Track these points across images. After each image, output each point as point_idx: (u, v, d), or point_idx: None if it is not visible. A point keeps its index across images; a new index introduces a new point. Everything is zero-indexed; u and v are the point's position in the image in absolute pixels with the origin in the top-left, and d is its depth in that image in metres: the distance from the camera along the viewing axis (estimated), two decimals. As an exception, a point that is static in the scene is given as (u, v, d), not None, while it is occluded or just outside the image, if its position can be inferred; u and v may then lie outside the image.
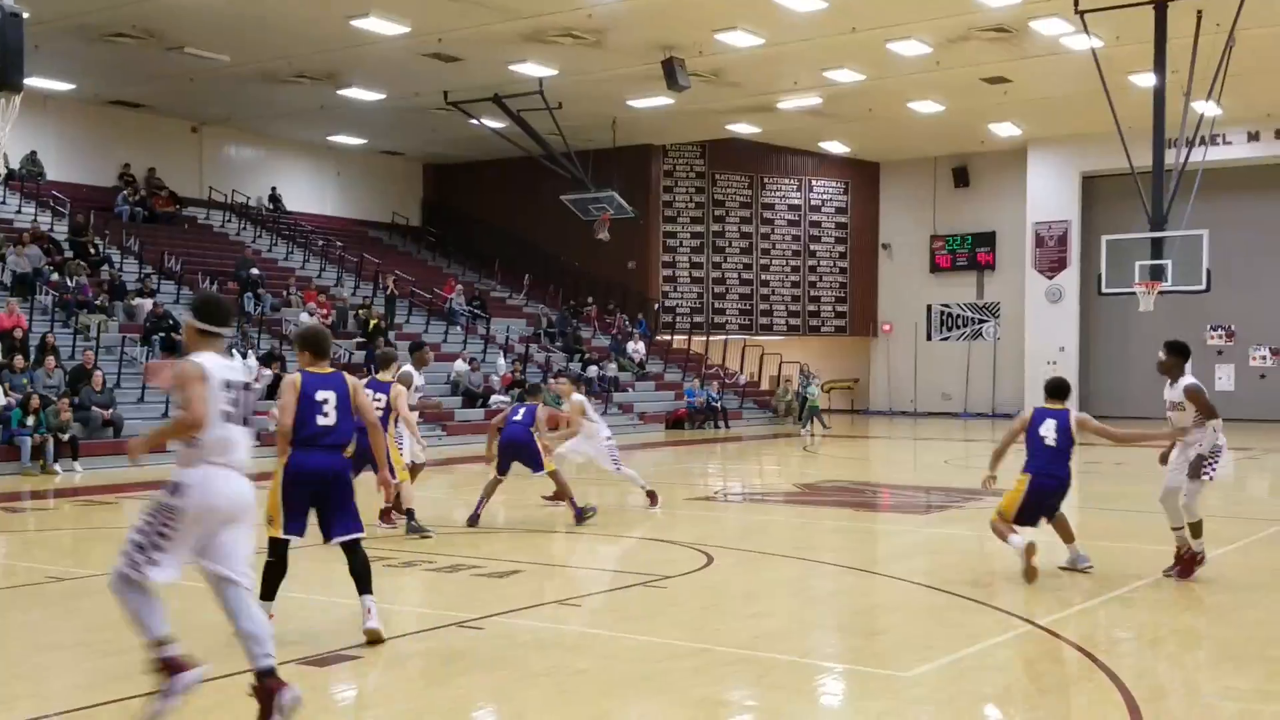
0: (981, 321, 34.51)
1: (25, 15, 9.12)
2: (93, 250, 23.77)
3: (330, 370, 6.77)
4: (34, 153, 26.35)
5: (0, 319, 18.80)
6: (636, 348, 31.09)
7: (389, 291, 27.91)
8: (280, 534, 6.57)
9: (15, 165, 25.53)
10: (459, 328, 28.36)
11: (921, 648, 6.73)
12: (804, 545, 10.68)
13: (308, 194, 33.11)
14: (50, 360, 17.97)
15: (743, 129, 31.04)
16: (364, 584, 6.53)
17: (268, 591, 6.61)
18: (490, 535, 10.92)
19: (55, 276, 21.71)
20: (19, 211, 24.83)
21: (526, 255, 33.82)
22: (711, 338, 34.15)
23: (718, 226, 34.53)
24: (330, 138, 31.95)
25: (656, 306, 33.80)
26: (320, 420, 6.55)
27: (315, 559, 9.72)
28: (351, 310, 26.03)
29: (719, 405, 29.11)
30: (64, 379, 17.90)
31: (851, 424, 31.05)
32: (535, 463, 11.36)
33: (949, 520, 12.30)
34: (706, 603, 7.94)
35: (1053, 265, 32.62)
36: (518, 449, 11.33)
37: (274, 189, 31.88)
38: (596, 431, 12.50)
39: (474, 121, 27.58)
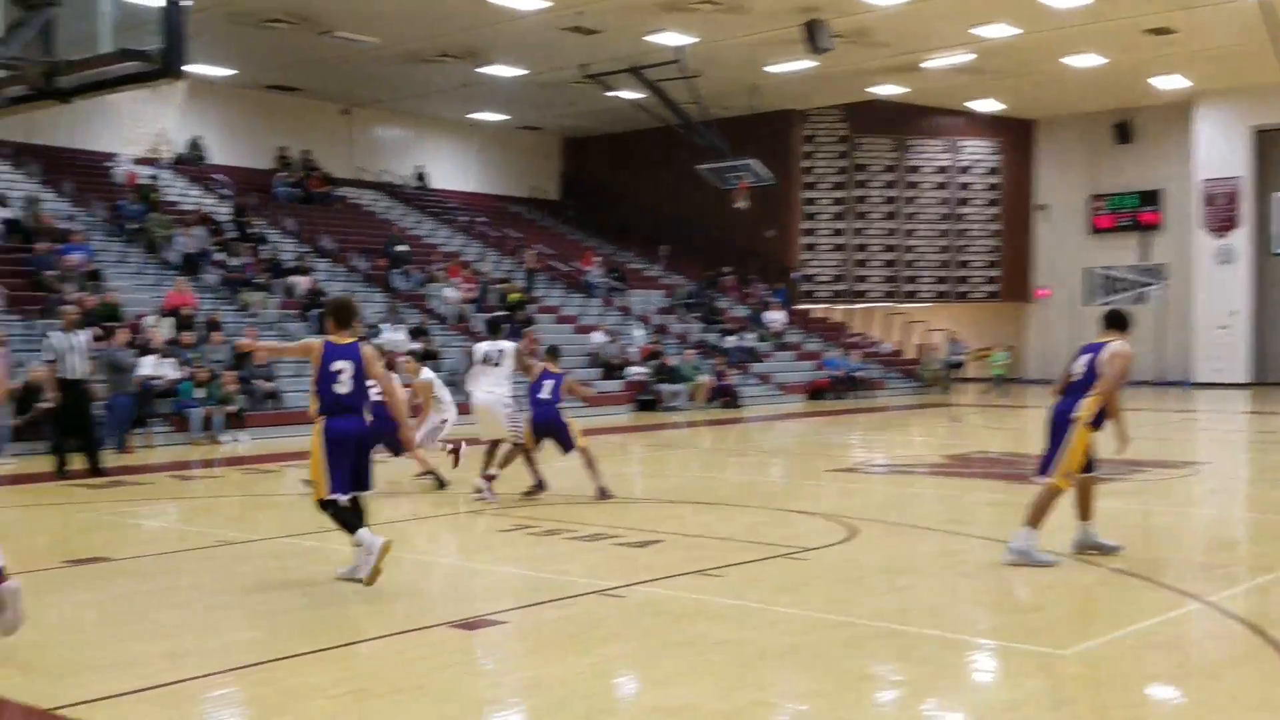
0: (1146, 284, 32.97)
1: (189, 3, 9.45)
2: (253, 231, 24.76)
3: (350, 340, 7.36)
4: (198, 137, 27.55)
5: (171, 297, 19.76)
6: (775, 317, 30.79)
7: (529, 266, 28.29)
8: (327, 494, 7.14)
9: (181, 150, 26.75)
10: (597, 300, 28.57)
11: (1080, 625, 6.45)
12: (952, 518, 10.38)
13: (451, 171, 33.79)
14: (217, 335, 18.83)
15: (887, 90, 30.28)
16: (361, 521, 7.28)
17: (355, 525, 7.16)
18: (629, 505, 10.96)
19: (220, 256, 22.71)
20: (185, 194, 26.04)
21: (664, 226, 33.82)
22: (853, 306, 33.54)
23: (860, 192, 33.84)
24: (471, 115, 32.49)
25: (796, 275, 33.38)
26: (337, 388, 7.22)
27: (462, 527, 9.93)
28: (493, 285, 26.49)
29: (861, 375, 28.63)
30: (229, 353, 18.73)
31: (1004, 393, 30.11)
32: (567, 442, 11.00)
33: (1109, 493, 11.77)
34: (850, 575, 7.79)
35: (1223, 224, 30.90)
36: (551, 428, 10.98)
37: (419, 167, 32.64)
38: (439, 409, 12.17)
39: (611, 94, 27.63)
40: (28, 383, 15.15)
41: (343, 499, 7.20)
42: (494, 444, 11.34)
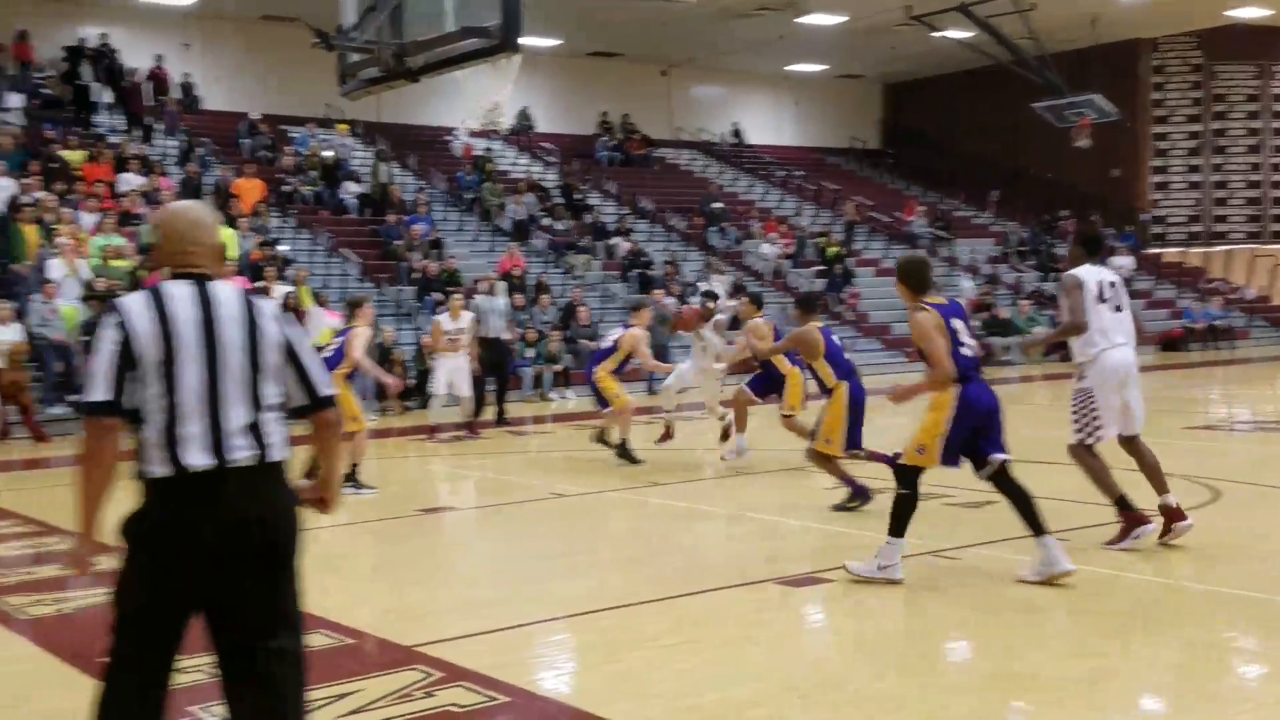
0: None
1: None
2: (577, 195, 25.77)
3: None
4: (526, 108, 28.93)
5: (503, 262, 20.93)
6: (1123, 263, 28.54)
7: (847, 218, 27.73)
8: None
9: (511, 121, 28.21)
10: (921, 251, 27.60)
11: None
12: (1334, 482, 9.20)
13: (767, 125, 33.64)
14: (545, 298, 19.77)
15: (1248, 13, 27.13)
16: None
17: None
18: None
19: (546, 221, 23.81)
20: (514, 163, 27.47)
21: (993, 170, 32.09)
22: (1211, 249, 30.55)
23: (1218, 124, 30.64)
24: (788, 67, 32.14)
25: (1145, 217, 30.77)
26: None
27: (783, 484, 9.86)
28: (810, 239, 26.17)
29: (1222, 324, 26.07)
30: (556, 314, 19.62)
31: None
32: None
33: None
34: (1211, 540, 7.06)
35: None
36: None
37: (735, 124, 32.72)
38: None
39: (937, 34, 26.42)
40: (382, 345, 16.61)
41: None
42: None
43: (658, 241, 24.99)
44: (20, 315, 14.68)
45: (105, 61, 23.11)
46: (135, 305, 3.09)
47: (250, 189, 20.43)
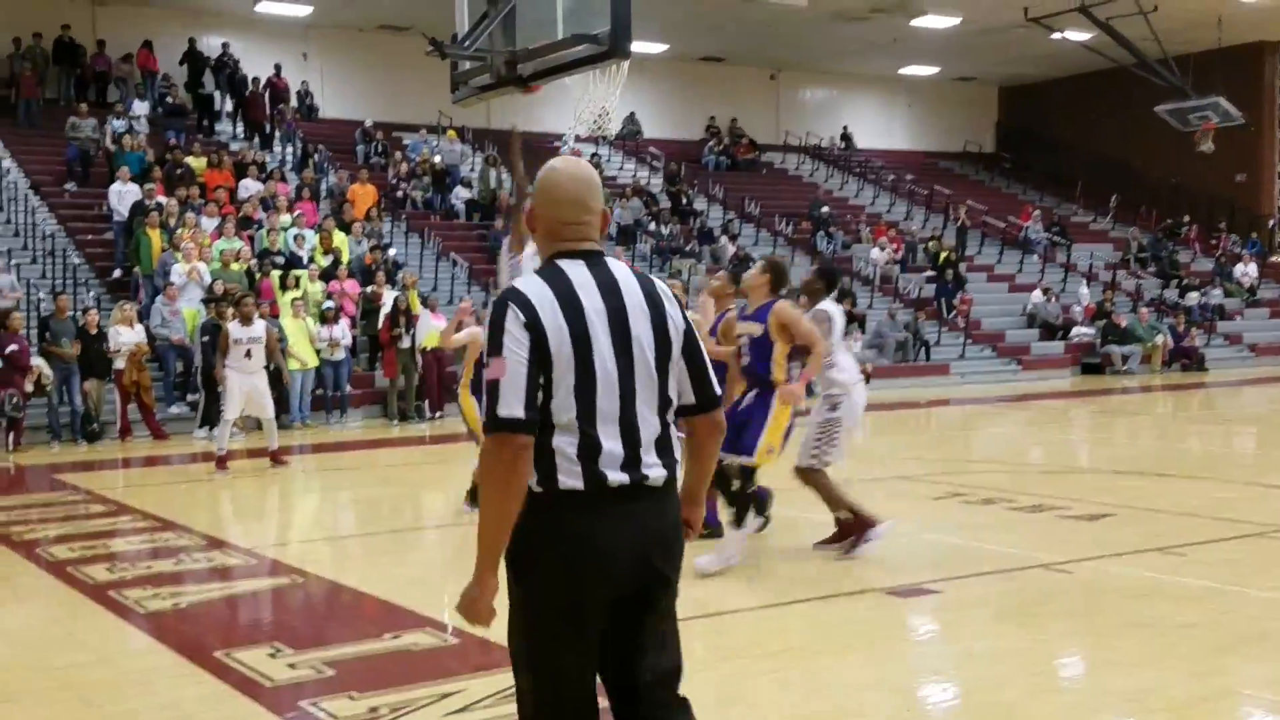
0: None
1: (635, -15, 9.82)
2: (684, 200, 25.73)
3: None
4: (633, 113, 29.00)
5: (609, 266, 21.03)
6: (1247, 271, 27.42)
7: (960, 223, 27.17)
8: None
9: (618, 127, 28.32)
10: (1035, 257, 26.92)
11: None
12: None
13: (877, 129, 33.12)
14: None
15: (1385, 8, 25.84)
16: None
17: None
18: (1072, 476, 10.17)
19: (652, 226, 23.83)
20: (621, 169, 27.56)
21: (1113, 175, 31.10)
22: (1344, 257, 29.12)
23: (1351, 127, 29.22)
24: (901, 70, 31.64)
25: (1272, 223, 29.48)
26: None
27: (892, 493, 9.68)
28: (920, 244, 25.69)
29: (1356, 335, 24.87)
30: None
31: None
32: None
33: None
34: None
35: None
36: None
37: (845, 128, 32.33)
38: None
39: (1056, 36, 25.73)
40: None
41: None
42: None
43: (764, 246, 24.80)
44: (142, 317, 15.24)
45: (227, 71, 23.90)
46: (540, 296, 2.59)
47: (364, 194, 20.88)
